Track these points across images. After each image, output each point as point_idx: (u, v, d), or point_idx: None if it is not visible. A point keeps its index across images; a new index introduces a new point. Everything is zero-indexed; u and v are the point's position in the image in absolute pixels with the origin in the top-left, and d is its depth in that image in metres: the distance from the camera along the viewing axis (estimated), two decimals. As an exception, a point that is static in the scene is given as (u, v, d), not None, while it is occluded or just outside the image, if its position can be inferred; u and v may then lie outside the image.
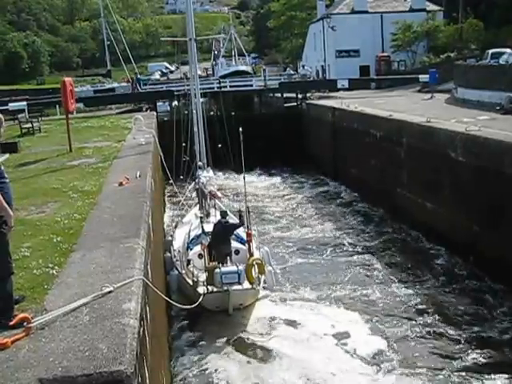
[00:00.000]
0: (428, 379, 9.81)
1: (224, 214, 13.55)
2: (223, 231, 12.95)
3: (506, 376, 9.68)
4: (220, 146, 19.55)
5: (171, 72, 69.27)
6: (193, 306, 10.77)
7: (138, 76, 42.17)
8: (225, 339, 11.23)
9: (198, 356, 10.75)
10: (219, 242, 12.80)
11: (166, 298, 9.39)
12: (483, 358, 10.40)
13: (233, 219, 14.77)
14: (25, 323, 5.18)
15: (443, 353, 10.73)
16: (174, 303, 9.99)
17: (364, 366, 10.26)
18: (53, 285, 6.31)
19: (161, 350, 8.31)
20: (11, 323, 5.20)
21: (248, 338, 11.31)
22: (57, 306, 5.60)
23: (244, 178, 14.36)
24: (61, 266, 6.90)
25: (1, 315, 5.28)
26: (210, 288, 11.80)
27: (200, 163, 17.46)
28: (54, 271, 6.74)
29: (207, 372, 10.19)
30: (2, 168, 5.65)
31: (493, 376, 9.77)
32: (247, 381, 9.84)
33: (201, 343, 11.24)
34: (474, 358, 10.40)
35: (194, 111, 18.01)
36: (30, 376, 4.44)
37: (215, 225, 13.17)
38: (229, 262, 12.76)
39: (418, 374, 9.95)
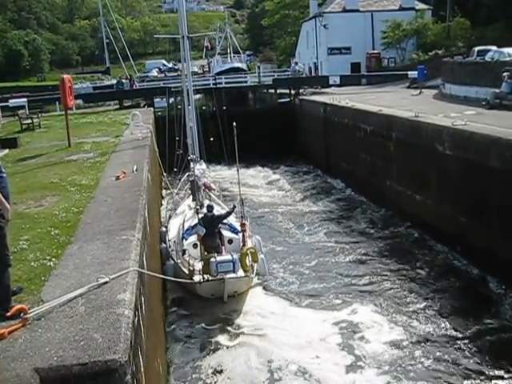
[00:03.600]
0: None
1: (210, 208, 13.73)
2: (209, 225, 13.14)
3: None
4: (212, 139, 19.74)
5: (175, 70, 69.31)
6: (189, 281, 11.29)
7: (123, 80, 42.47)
8: (220, 326, 11.44)
9: (194, 343, 10.93)
10: (208, 233, 13.00)
11: (164, 277, 9.47)
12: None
13: (224, 210, 15.07)
14: (22, 314, 5.22)
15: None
16: (171, 278, 10.11)
17: (349, 354, 10.45)
18: (50, 276, 6.36)
19: (157, 339, 8.38)
20: (8, 314, 5.25)
21: (243, 325, 11.50)
22: (53, 297, 5.65)
23: (238, 170, 14.57)
24: (58, 258, 6.95)
25: (-2, 306, 5.33)
26: (205, 276, 12.03)
27: (192, 156, 17.66)
28: (51, 263, 6.79)
29: (203, 360, 10.33)
30: (0, 162, 5.68)
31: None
32: (242, 367, 9.97)
33: (196, 331, 11.43)
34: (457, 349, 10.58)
35: (188, 107, 18.23)
36: (27, 365, 4.48)
37: (202, 218, 13.32)
38: (223, 251, 13.01)
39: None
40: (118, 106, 32.40)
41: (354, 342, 10.81)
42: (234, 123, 13.87)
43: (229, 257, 12.29)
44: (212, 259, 12.09)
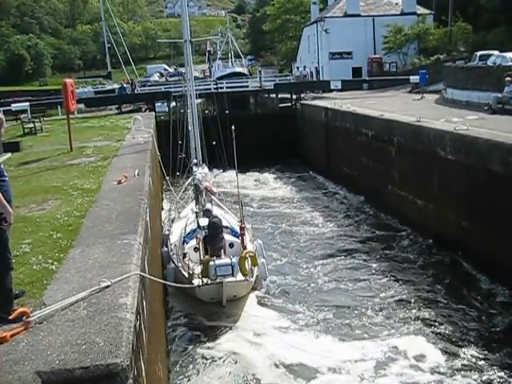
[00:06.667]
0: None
1: (208, 213, 13.82)
2: (213, 228, 13.24)
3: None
4: (214, 143, 19.83)
5: (179, 75, 69.49)
6: (188, 285, 11.36)
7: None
8: (219, 330, 11.44)
9: (195, 348, 10.91)
10: (213, 236, 13.11)
11: (164, 281, 9.51)
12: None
13: (227, 213, 15.27)
14: (24, 317, 5.24)
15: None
16: (171, 283, 10.36)
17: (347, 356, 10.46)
18: (52, 280, 6.37)
19: (157, 343, 8.38)
20: (10, 317, 5.26)
21: (242, 329, 11.49)
22: (55, 301, 5.66)
23: (237, 174, 14.61)
24: (60, 262, 6.96)
25: (0, 309, 5.34)
26: (204, 280, 12.02)
27: (195, 160, 17.71)
28: (54, 267, 6.80)
29: (203, 364, 10.33)
30: (2, 166, 5.71)
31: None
32: (242, 372, 9.97)
33: (197, 335, 11.43)
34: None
35: (189, 111, 18.28)
36: (29, 369, 4.49)
37: (209, 221, 13.44)
38: (223, 254, 13.05)
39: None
40: (119, 111, 32.54)
41: (351, 355, 10.61)
42: (233, 126, 13.86)
43: (227, 260, 12.27)
44: (211, 263, 12.07)
